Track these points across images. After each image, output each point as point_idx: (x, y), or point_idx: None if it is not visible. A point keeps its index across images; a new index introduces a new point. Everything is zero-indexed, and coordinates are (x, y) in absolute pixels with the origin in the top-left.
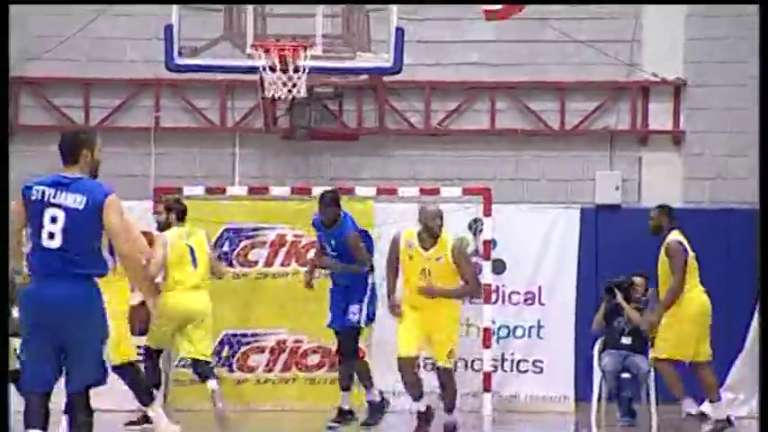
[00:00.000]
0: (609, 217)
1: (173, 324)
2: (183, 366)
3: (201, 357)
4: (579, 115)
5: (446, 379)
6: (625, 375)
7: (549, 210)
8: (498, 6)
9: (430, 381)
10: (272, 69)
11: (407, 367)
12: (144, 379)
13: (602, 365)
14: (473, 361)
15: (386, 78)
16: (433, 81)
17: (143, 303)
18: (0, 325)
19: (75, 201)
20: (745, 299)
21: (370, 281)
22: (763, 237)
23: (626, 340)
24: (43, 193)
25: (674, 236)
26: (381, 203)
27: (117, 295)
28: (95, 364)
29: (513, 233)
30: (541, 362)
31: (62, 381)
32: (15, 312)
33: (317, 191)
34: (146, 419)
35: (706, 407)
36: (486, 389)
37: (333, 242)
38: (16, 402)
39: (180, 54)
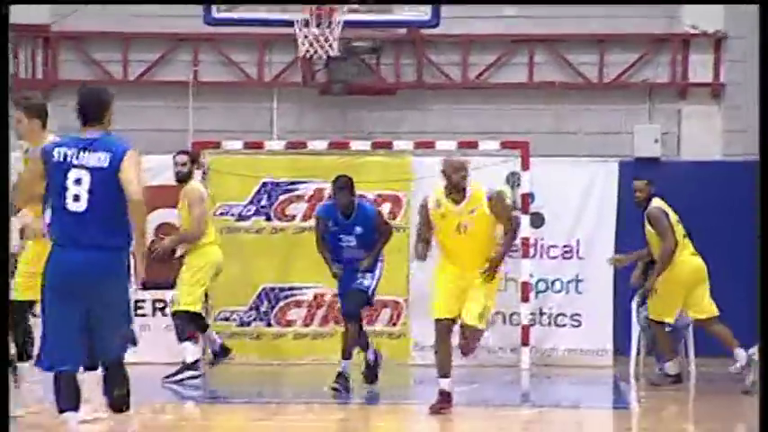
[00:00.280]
0: (648, 170)
1: (215, 279)
2: (223, 320)
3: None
4: (618, 68)
5: (471, 340)
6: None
7: (587, 163)
8: None
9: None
10: (307, 24)
11: (443, 331)
12: None
13: (640, 319)
14: (511, 315)
15: (424, 32)
16: (471, 34)
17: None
18: (0, 324)
19: (100, 159)
20: None
21: (381, 258)
22: (763, 235)
23: None
24: (65, 154)
25: (654, 203)
26: (419, 157)
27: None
28: (126, 330)
29: (552, 187)
30: (580, 316)
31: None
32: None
33: (355, 145)
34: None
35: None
36: (525, 343)
37: (358, 228)
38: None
39: (218, 8)
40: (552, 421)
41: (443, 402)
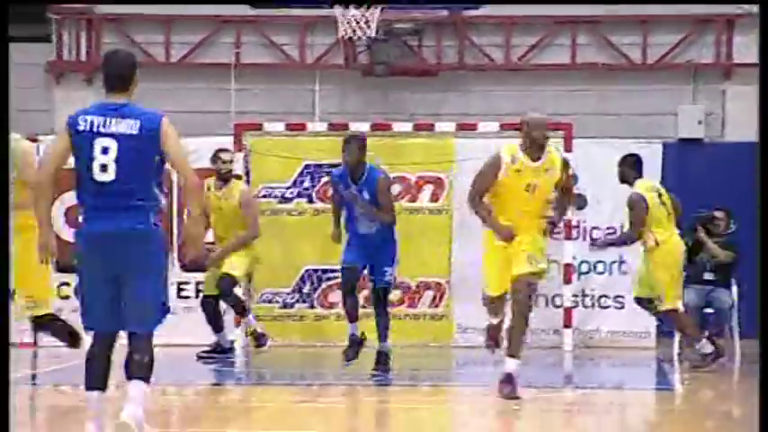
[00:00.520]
0: (691, 151)
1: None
2: (266, 302)
3: None
4: (662, 49)
5: (522, 294)
6: (708, 310)
7: (630, 144)
8: None
9: None
10: (347, 5)
11: (499, 306)
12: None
13: (684, 301)
14: (554, 297)
15: (465, 13)
16: (513, 15)
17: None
18: (1, 323)
19: (129, 126)
20: None
21: (396, 238)
22: (762, 236)
23: (709, 275)
24: (92, 122)
25: (636, 188)
26: (461, 139)
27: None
28: (157, 303)
29: (595, 168)
30: (623, 297)
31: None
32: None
33: (397, 127)
34: (218, 350)
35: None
36: (567, 325)
37: (365, 194)
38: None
39: None
40: (595, 403)
41: (509, 384)
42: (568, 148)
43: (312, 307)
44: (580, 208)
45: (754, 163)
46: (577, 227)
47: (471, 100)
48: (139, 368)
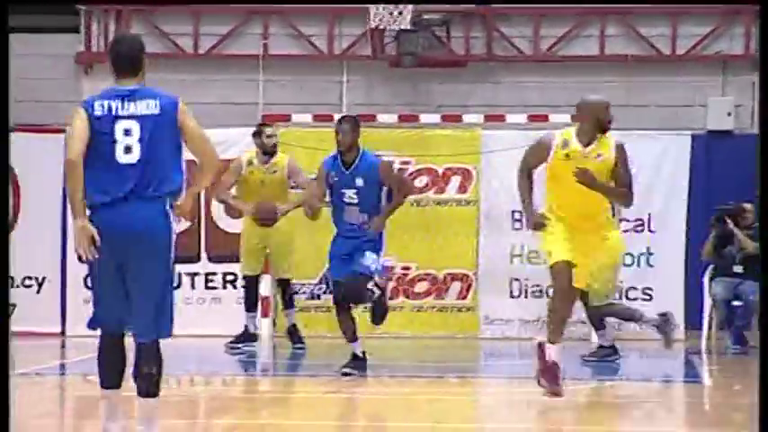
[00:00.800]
0: (721, 143)
1: None
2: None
3: None
4: (691, 40)
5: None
6: (736, 303)
7: (659, 136)
8: None
9: None
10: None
11: (563, 274)
12: None
13: (712, 293)
14: None
15: (494, 4)
16: (541, 7)
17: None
18: (0, 322)
19: (149, 106)
20: None
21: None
22: (763, 235)
23: (737, 268)
24: (109, 106)
25: None
26: (489, 131)
27: None
28: (165, 310)
29: None
30: (651, 289)
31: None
32: None
33: (424, 118)
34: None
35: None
36: None
37: (359, 180)
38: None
39: None
40: (623, 395)
41: (548, 374)
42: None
43: None
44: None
45: None
46: None
47: (499, 91)
48: (151, 383)
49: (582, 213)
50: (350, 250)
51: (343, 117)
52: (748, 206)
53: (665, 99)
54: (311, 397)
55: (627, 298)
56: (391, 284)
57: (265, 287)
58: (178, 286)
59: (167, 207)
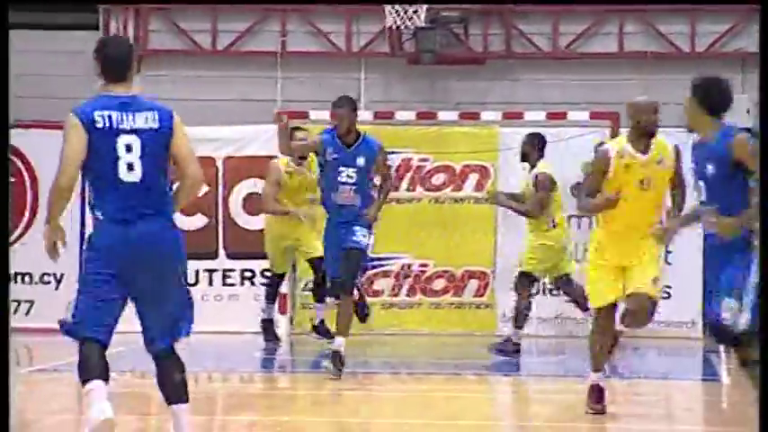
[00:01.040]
0: None
1: None
2: (310, 290)
3: None
4: (710, 37)
5: (642, 311)
6: None
7: (677, 133)
8: None
9: None
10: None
11: (606, 319)
12: None
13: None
14: None
15: (512, 3)
16: (560, 4)
17: None
18: (0, 321)
19: (148, 120)
20: None
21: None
22: (763, 235)
23: None
24: (110, 118)
25: (543, 167)
26: (507, 128)
27: None
28: (185, 313)
29: None
30: (669, 287)
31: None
32: None
33: (442, 116)
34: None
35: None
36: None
37: (360, 160)
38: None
39: None
40: (640, 393)
41: (598, 395)
42: (615, 137)
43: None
44: None
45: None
46: None
47: (517, 89)
48: (184, 389)
49: (634, 225)
50: (341, 230)
51: (339, 99)
52: None
53: (684, 96)
54: (328, 394)
55: None
56: (409, 281)
57: (284, 284)
58: (196, 283)
59: (172, 217)
